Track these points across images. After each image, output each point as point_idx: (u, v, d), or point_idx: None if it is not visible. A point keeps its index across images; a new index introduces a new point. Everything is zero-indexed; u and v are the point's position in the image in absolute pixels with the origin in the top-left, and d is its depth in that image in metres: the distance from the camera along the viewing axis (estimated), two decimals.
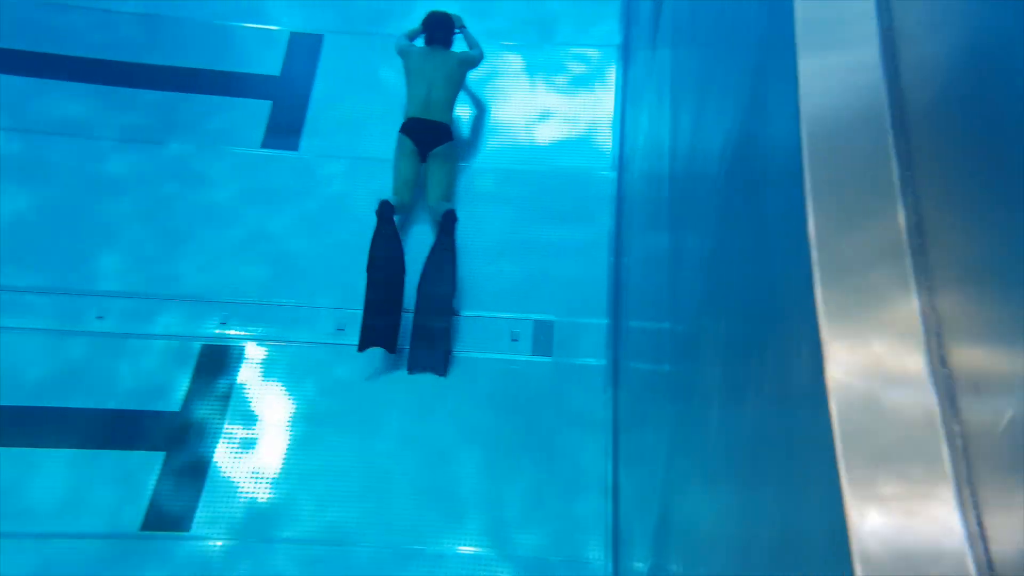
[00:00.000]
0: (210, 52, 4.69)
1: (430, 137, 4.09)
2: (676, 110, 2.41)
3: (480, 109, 4.60)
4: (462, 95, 4.50)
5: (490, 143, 4.46)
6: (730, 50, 1.73)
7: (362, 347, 3.66)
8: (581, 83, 4.68)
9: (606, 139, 4.46)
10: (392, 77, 4.61)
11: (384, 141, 4.33)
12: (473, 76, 4.56)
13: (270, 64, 4.68)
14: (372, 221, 3.90)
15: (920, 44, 1.02)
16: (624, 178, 4.13)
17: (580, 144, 4.46)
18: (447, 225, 3.97)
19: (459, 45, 4.46)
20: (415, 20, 4.49)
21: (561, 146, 4.46)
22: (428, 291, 3.81)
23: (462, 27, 4.42)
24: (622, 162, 4.26)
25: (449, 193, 4.15)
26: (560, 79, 4.70)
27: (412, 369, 3.73)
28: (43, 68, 4.54)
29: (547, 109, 4.58)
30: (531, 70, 4.72)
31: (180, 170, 4.30)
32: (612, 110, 4.55)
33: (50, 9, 4.74)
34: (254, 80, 4.64)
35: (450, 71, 4.20)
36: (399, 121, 4.25)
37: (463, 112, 4.55)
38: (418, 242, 4.08)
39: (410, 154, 4.09)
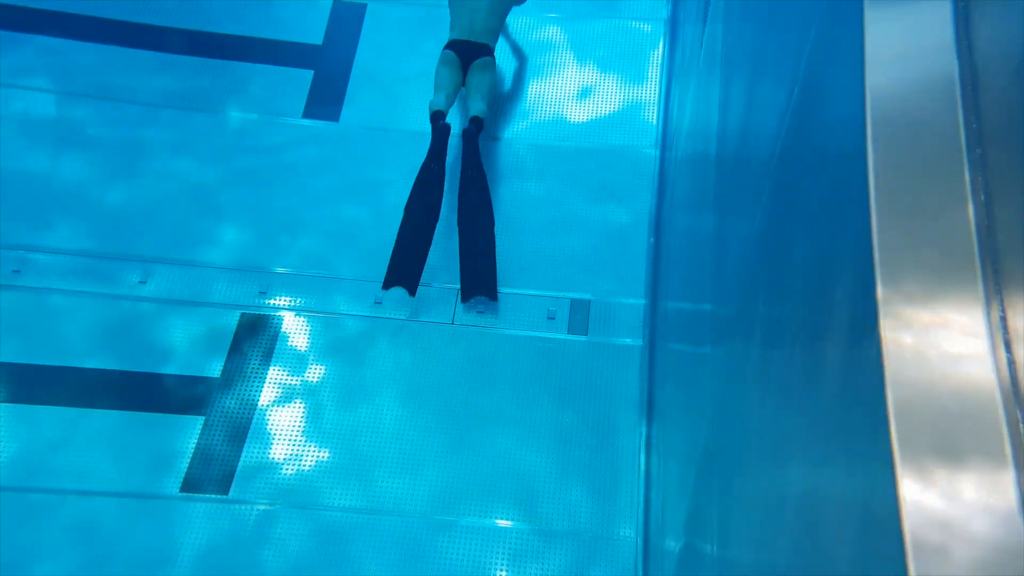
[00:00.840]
0: (252, 19, 4.70)
1: (472, 52, 4.20)
2: (727, 88, 2.37)
3: (521, 60, 4.63)
4: (504, 47, 4.50)
5: (530, 117, 4.44)
6: (788, 25, 1.69)
7: (386, 286, 3.81)
8: (625, 58, 4.62)
9: (650, 116, 4.41)
10: (435, 48, 4.59)
11: (425, 114, 4.33)
12: (514, 36, 4.53)
13: (313, 33, 4.68)
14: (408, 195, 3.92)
15: (995, 21, 0.98)
16: (667, 157, 4.08)
17: (622, 121, 4.41)
18: (471, 139, 4.08)
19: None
20: None
21: (603, 122, 4.41)
22: (467, 227, 3.94)
23: None
24: (665, 141, 4.21)
25: (487, 94, 4.23)
26: (604, 53, 4.64)
27: (465, 297, 3.86)
28: (83, 31, 4.58)
29: (590, 84, 4.53)
30: (574, 44, 4.67)
31: (220, 138, 4.33)
32: (657, 87, 4.49)
33: None
34: (296, 48, 4.65)
35: (493, 3, 4.26)
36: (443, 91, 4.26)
37: (504, 85, 4.52)
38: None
39: (452, 62, 4.20)
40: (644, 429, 3.55)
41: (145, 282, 3.89)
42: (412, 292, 3.83)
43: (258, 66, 4.56)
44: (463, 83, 4.22)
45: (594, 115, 4.44)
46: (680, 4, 4.37)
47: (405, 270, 3.81)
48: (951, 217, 0.89)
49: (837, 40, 1.20)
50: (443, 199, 3.96)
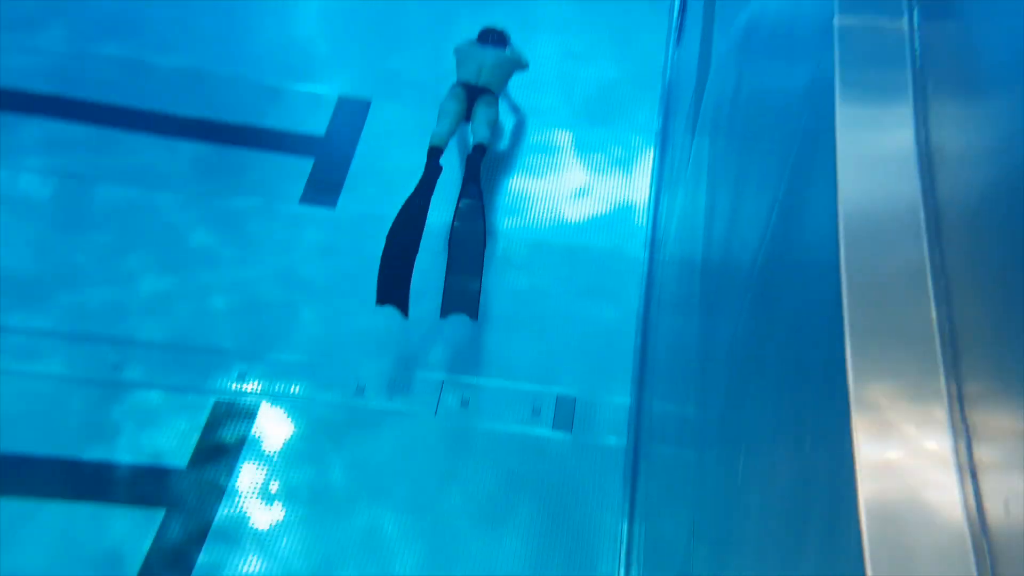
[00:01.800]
0: (258, 110, 4.84)
1: (477, 91, 4.44)
2: (712, 198, 2.46)
3: (520, 118, 4.86)
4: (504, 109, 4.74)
5: (525, 215, 4.55)
6: (770, 144, 1.78)
7: (379, 302, 3.82)
8: (618, 164, 4.78)
9: (640, 220, 4.53)
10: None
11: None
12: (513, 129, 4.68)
13: (316, 125, 4.83)
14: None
15: (956, 162, 1.06)
16: (655, 259, 4.17)
17: (613, 222, 4.53)
18: (474, 164, 4.21)
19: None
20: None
21: (595, 223, 4.53)
22: (457, 249, 3.97)
23: (511, 43, 4.82)
24: (654, 244, 4.31)
25: (490, 125, 4.40)
26: (598, 158, 4.80)
27: (444, 313, 3.89)
28: (84, 115, 4.69)
29: (583, 186, 4.67)
30: (570, 147, 4.84)
31: (215, 220, 4.39)
32: (647, 192, 4.63)
33: (103, 61, 4.95)
34: (298, 139, 4.78)
35: (500, 60, 4.58)
36: (441, 184, 4.35)
37: (500, 173, 4.65)
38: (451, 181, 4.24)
39: (458, 96, 4.40)
40: (625, 532, 3.51)
41: (120, 367, 3.81)
42: (405, 314, 3.83)
43: (258, 153, 4.67)
44: (467, 118, 4.40)
45: (587, 215, 4.56)
46: (670, 118, 4.55)
47: (394, 291, 3.82)
48: (917, 330, 0.95)
49: (814, 162, 1.28)
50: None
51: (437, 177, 4.13)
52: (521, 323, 4.12)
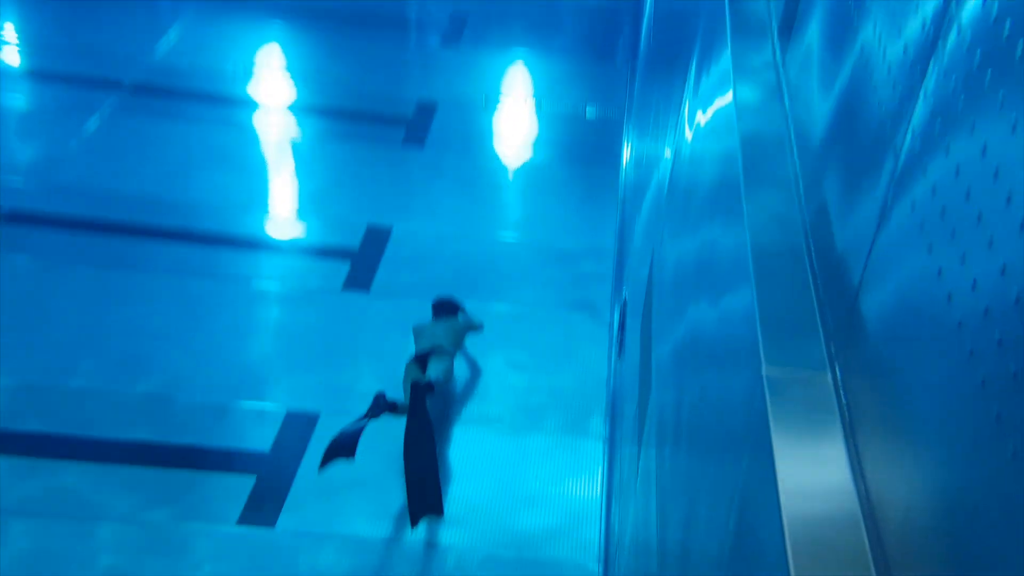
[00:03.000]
0: (201, 429, 4.77)
1: (430, 353, 4.74)
2: (663, 512, 2.42)
3: (474, 371, 5.14)
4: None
5: (474, 526, 4.39)
6: (718, 458, 1.79)
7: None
8: (568, 472, 4.74)
9: (591, 531, 4.40)
10: (381, 459, 4.68)
11: (371, 517, 4.26)
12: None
13: (261, 440, 4.76)
14: None
15: (891, 495, 1.09)
16: (610, 574, 3.99)
17: (565, 533, 4.39)
18: (421, 391, 4.42)
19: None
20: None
21: (546, 534, 4.37)
22: (412, 461, 4.20)
23: (463, 310, 5.19)
24: (608, 557, 4.15)
25: (443, 371, 4.67)
26: (547, 466, 4.76)
27: (414, 521, 4.07)
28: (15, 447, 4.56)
29: (534, 495, 4.58)
30: (520, 457, 4.81)
31: (150, 548, 4.13)
32: (598, 502, 4.55)
33: (28, 391, 4.94)
34: (242, 456, 4.68)
35: (453, 328, 4.93)
36: (388, 496, 4.35)
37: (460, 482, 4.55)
38: None
39: (412, 368, 4.69)
40: None
41: None
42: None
43: (198, 473, 4.54)
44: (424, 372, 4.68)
45: (538, 527, 4.41)
46: (617, 426, 4.62)
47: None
48: None
49: (760, 488, 1.28)
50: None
51: (379, 415, 4.38)
52: None
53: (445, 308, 5.12)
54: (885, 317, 1.19)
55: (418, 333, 4.92)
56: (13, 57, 7.93)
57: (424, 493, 4.08)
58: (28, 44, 8.02)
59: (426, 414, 4.39)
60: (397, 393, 4.60)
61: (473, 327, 5.10)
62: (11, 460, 4.47)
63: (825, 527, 1.13)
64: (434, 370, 4.64)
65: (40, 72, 7.68)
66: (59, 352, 5.07)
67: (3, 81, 7.55)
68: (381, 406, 4.36)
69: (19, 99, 7.39)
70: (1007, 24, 0.79)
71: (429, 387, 4.52)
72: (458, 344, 4.93)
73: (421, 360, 4.69)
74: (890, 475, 1.12)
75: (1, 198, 6.05)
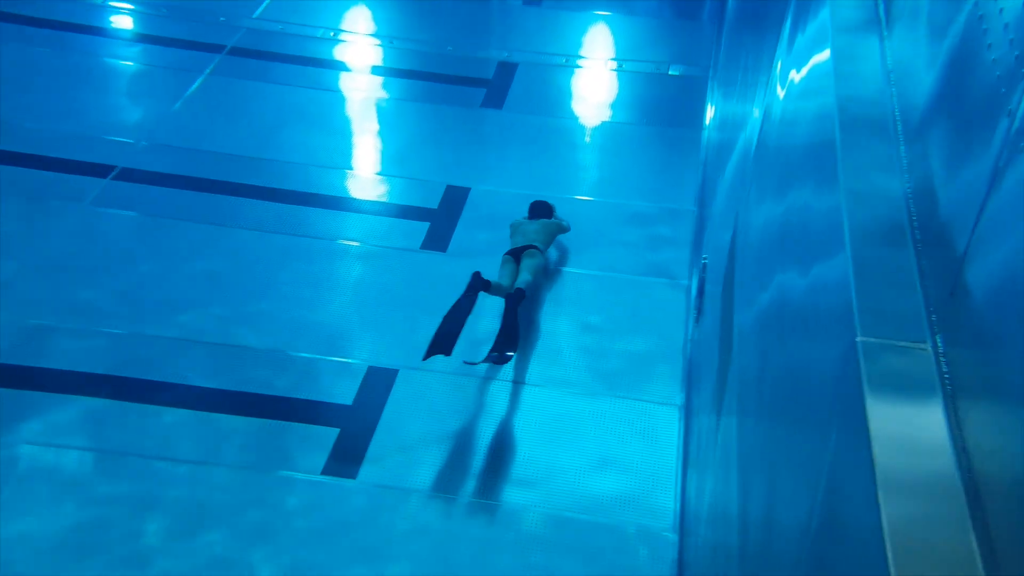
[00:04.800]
0: (289, 382, 4.94)
1: (524, 249, 5.42)
2: (746, 484, 2.38)
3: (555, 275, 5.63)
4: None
5: (544, 487, 4.42)
6: (803, 434, 1.75)
7: (428, 355, 4.64)
8: (644, 438, 4.72)
9: (667, 499, 4.38)
10: (458, 417, 4.75)
11: (444, 475, 4.35)
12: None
13: (344, 394, 4.89)
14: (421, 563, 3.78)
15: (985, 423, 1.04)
16: (687, 543, 3.98)
17: (639, 500, 4.38)
18: (514, 299, 5.08)
19: None
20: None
21: (620, 499, 4.38)
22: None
23: (555, 212, 5.84)
24: (684, 526, 4.13)
25: (533, 271, 5.30)
26: (623, 431, 4.76)
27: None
28: (120, 392, 4.81)
29: (607, 459, 4.58)
30: (593, 420, 4.82)
31: (241, 494, 4.32)
32: (674, 470, 4.52)
33: (141, 340, 5.16)
34: (326, 408, 4.82)
35: (544, 226, 5.61)
36: (463, 455, 4.48)
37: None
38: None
39: (508, 262, 5.37)
40: None
41: None
42: (448, 352, 4.65)
43: (285, 423, 4.70)
44: (517, 272, 5.32)
45: (612, 491, 4.42)
46: (693, 394, 4.57)
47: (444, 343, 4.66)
48: None
49: (851, 462, 1.25)
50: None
51: (475, 294, 4.93)
52: None
53: (540, 208, 5.76)
54: (992, 287, 1.13)
55: (514, 229, 5.63)
56: (125, 22, 8.23)
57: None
58: (138, 9, 8.30)
59: (515, 318, 5.02)
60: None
61: (563, 228, 5.70)
62: (111, 403, 4.72)
63: (924, 504, 1.08)
64: (524, 277, 5.25)
65: (146, 36, 7.97)
66: (159, 304, 5.32)
67: (114, 45, 7.91)
68: (478, 286, 4.92)
69: (131, 62, 7.71)
70: None
71: (521, 294, 5.12)
72: (549, 243, 5.57)
73: (516, 254, 5.39)
74: (993, 448, 1.07)
75: (115, 157, 6.35)
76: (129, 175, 6.27)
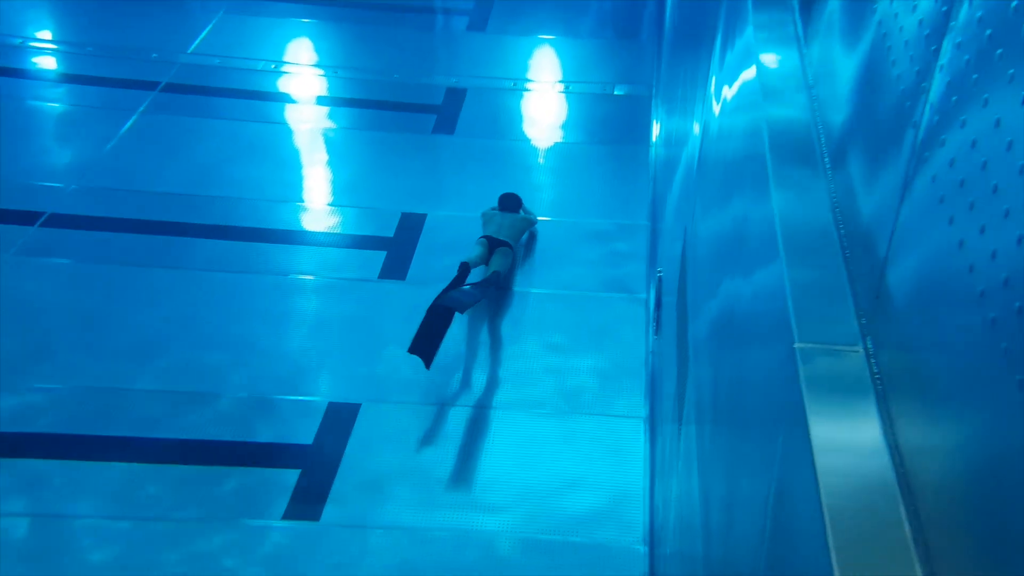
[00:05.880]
0: (245, 425, 4.82)
1: (497, 243, 5.81)
2: (706, 490, 2.43)
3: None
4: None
5: (516, 510, 4.43)
6: (755, 437, 1.80)
7: (411, 350, 5.01)
8: (611, 453, 4.75)
9: (636, 512, 4.42)
10: (423, 448, 4.74)
11: (411, 507, 4.32)
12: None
13: (304, 433, 4.81)
14: None
15: (926, 458, 1.09)
16: (657, 554, 4.01)
17: (609, 515, 4.40)
18: (489, 281, 5.53)
19: None
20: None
21: (590, 516, 4.40)
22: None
23: (523, 206, 6.22)
24: (653, 537, 4.17)
25: (504, 267, 5.71)
26: (589, 448, 4.79)
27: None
28: (60, 450, 4.64)
29: (576, 477, 4.61)
30: (561, 439, 4.84)
31: (199, 547, 4.19)
32: (642, 482, 4.56)
33: (82, 392, 5.05)
34: (285, 450, 4.71)
35: (515, 221, 5.99)
36: (430, 485, 4.42)
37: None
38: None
39: (483, 244, 5.79)
40: None
41: None
42: (427, 365, 4.99)
43: (243, 469, 4.59)
44: (487, 261, 5.71)
45: (582, 509, 4.44)
46: (657, 405, 4.63)
47: (426, 347, 4.99)
48: None
49: (797, 461, 1.30)
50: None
51: (465, 277, 5.47)
52: None
53: (510, 200, 6.15)
54: (911, 289, 1.20)
55: (487, 219, 6.02)
56: (49, 62, 8.10)
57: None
58: (63, 48, 8.18)
59: (487, 294, 5.48)
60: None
61: (530, 223, 6.09)
62: (52, 463, 4.53)
63: (862, 501, 1.13)
64: (495, 265, 5.69)
65: (73, 76, 7.81)
66: (102, 355, 5.15)
67: (37, 87, 7.73)
68: (465, 274, 5.48)
69: (57, 103, 7.54)
70: (1013, 1, 0.80)
71: (498, 276, 5.60)
72: (518, 238, 5.94)
73: (491, 241, 5.78)
74: (923, 445, 1.12)
75: (42, 203, 6.17)
76: (59, 221, 6.05)
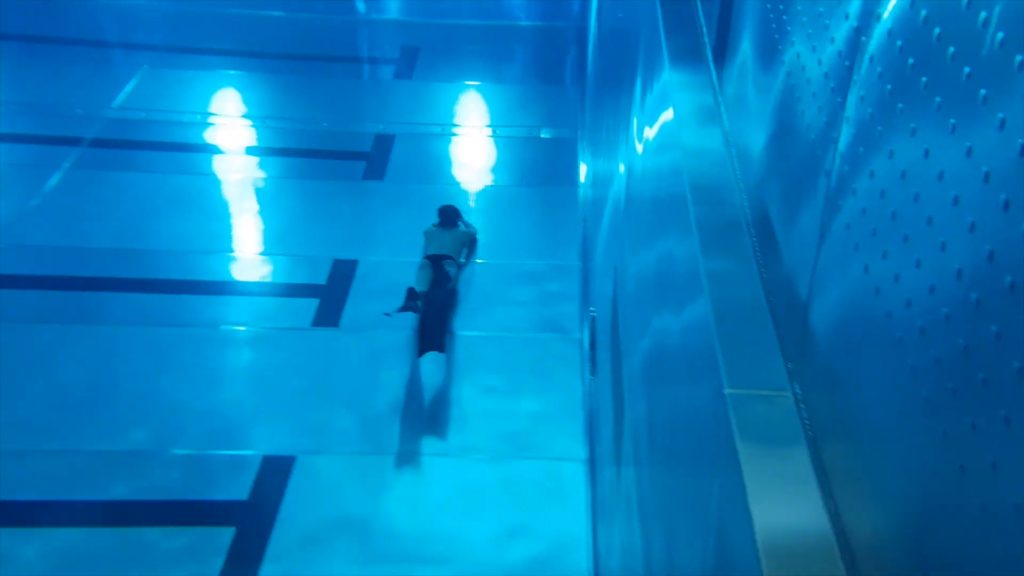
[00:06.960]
0: (177, 483, 4.67)
1: (441, 258, 5.98)
2: (647, 530, 2.41)
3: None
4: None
5: (459, 561, 4.33)
6: (690, 480, 1.79)
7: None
8: (551, 498, 4.70)
9: (580, 558, 4.37)
10: (362, 500, 4.62)
11: (350, 562, 4.20)
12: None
13: (238, 489, 4.67)
14: None
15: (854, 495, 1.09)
16: None
17: (552, 563, 4.34)
18: (441, 287, 5.74)
19: None
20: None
21: (533, 565, 4.32)
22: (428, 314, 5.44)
23: (462, 218, 6.48)
24: None
25: (453, 282, 5.93)
26: (530, 494, 4.73)
27: (421, 352, 5.26)
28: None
29: (517, 525, 4.54)
30: (501, 485, 4.77)
31: None
32: (584, 527, 4.52)
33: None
34: (219, 507, 4.58)
35: (456, 236, 6.25)
36: (369, 538, 4.31)
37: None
38: None
39: (427, 266, 5.90)
40: None
41: None
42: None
43: (175, 529, 4.44)
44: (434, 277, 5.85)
45: (522, 558, 4.37)
46: (596, 445, 4.61)
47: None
48: None
49: (733, 497, 1.29)
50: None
51: (416, 300, 5.52)
52: None
53: (449, 213, 6.37)
54: (833, 334, 1.21)
55: (429, 237, 6.19)
56: None
57: (433, 335, 5.17)
58: None
59: (445, 316, 5.63)
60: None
61: (472, 235, 6.38)
62: None
63: (798, 546, 1.13)
64: (448, 273, 5.92)
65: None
66: (28, 416, 4.96)
67: None
68: (415, 298, 5.48)
69: None
70: (910, 59, 0.82)
71: (454, 292, 5.87)
72: (459, 252, 6.18)
73: (434, 261, 5.93)
74: (855, 489, 1.13)
75: None
76: None
